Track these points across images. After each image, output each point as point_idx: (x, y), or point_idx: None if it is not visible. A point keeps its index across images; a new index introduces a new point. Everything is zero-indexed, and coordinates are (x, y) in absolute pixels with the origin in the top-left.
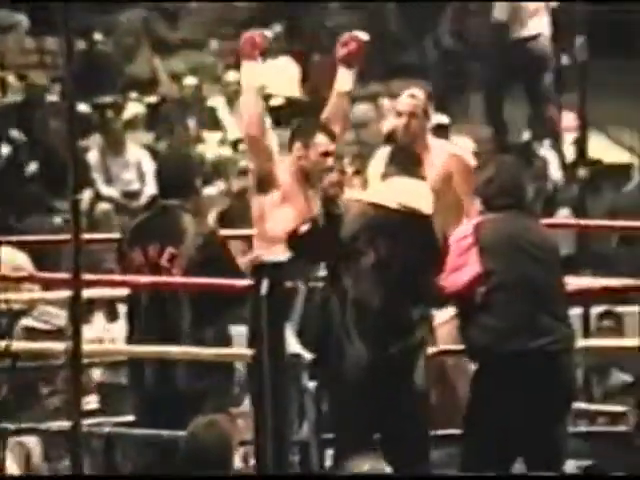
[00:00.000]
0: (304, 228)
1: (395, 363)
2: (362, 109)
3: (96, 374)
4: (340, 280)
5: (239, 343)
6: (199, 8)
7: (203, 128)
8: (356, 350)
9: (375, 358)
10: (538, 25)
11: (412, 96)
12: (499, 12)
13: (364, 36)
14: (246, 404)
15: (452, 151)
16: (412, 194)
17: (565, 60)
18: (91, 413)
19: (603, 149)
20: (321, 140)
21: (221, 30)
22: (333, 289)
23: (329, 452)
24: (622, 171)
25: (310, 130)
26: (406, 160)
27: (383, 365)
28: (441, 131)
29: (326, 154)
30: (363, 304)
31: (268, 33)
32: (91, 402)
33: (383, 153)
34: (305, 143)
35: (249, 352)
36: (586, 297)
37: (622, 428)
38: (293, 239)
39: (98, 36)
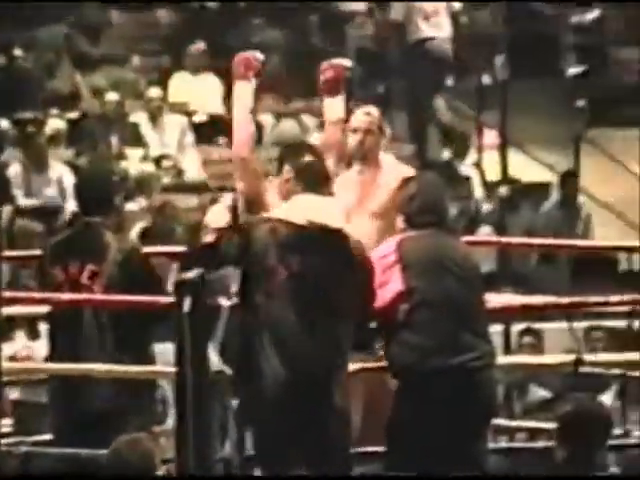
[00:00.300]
0: (208, 239)
1: (313, 380)
2: (286, 126)
3: (14, 393)
4: (253, 298)
5: (164, 360)
6: (121, 24)
7: (125, 144)
8: (272, 368)
9: (292, 376)
10: (437, 27)
11: (367, 113)
12: (395, 12)
13: (345, 62)
14: (170, 422)
15: (403, 171)
16: (320, 210)
17: (486, 79)
18: (5, 435)
19: (523, 167)
20: None
21: (143, 46)
22: (246, 307)
23: (253, 470)
24: (541, 190)
25: (299, 152)
26: (312, 177)
27: (300, 382)
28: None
29: None
30: (277, 322)
31: (260, 55)
32: (4, 426)
33: None
34: (294, 165)
35: (171, 370)
36: (507, 314)
37: (541, 444)
38: (196, 252)
39: (18, 51)
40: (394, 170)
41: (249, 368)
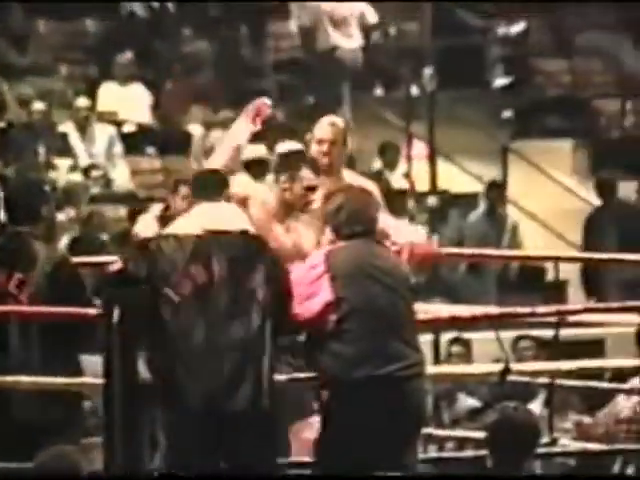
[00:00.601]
0: (114, 267)
1: (227, 390)
2: (215, 136)
3: None
4: (162, 314)
5: (92, 372)
6: (48, 33)
7: (53, 154)
8: (186, 383)
9: (206, 389)
10: (347, 36)
11: (333, 124)
12: (303, 18)
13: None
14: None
15: (363, 185)
16: (217, 216)
17: (414, 90)
18: None
19: (451, 178)
20: (306, 174)
21: (70, 56)
22: (157, 324)
23: None
24: (469, 200)
25: (296, 164)
26: (206, 185)
27: (214, 394)
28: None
29: (310, 188)
30: (187, 335)
31: (269, 101)
32: None
33: (240, 179)
34: (291, 176)
35: (100, 381)
36: (436, 325)
37: (470, 453)
38: (105, 280)
39: None
40: (354, 182)
41: (168, 382)
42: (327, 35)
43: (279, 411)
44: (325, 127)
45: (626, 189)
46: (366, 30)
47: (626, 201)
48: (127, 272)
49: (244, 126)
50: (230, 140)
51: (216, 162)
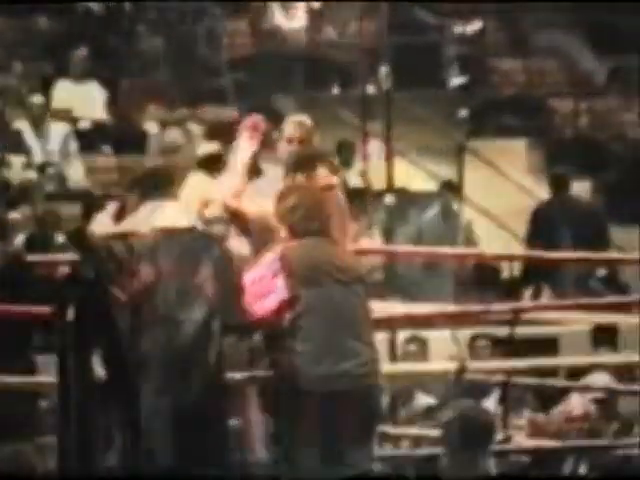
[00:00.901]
0: (63, 271)
1: (179, 389)
2: (171, 134)
3: None
4: (111, 313)
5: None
6: (1, 30)
7: (8, 151)
8: (136, 379)
9: (155, 386)
10: (292, 18)
11: (300, 123)
12: None
13: None
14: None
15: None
16: (166, 215)
17: (371, 89)
18: None
19: (408, 177)
20: (322, 172)
21: (24, 52)
22: (105, 322)
23: None
24: (426, 198)
25: (312, 162)
26: (152, 185)
27: (166, 392)
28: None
29: (327, 187)
30: (135, 334)
31: (261, 118)
32: None
33: (195, 179)
34: (307, 175)
35: (54, 380)
36: (392, 323)
37: (425, 451)
38: (56, 284)
39: None
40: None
41: (120, 380)
42: (272, 14)
43: (228, 407)
44: (293, 127)
45: (579, 188)
46: (312, 15)
47: (578, 198)
48: (77, 274)
49: (246, 146)
50: (236, 163)
51: (228, 187)
